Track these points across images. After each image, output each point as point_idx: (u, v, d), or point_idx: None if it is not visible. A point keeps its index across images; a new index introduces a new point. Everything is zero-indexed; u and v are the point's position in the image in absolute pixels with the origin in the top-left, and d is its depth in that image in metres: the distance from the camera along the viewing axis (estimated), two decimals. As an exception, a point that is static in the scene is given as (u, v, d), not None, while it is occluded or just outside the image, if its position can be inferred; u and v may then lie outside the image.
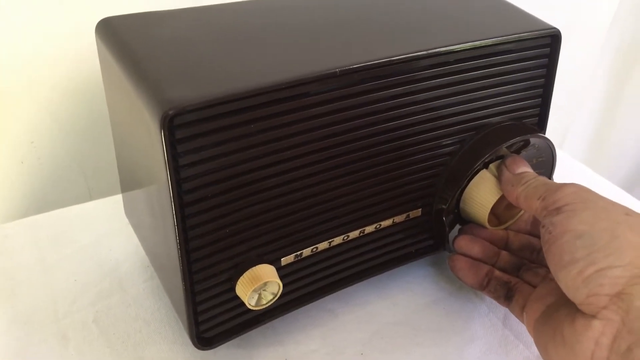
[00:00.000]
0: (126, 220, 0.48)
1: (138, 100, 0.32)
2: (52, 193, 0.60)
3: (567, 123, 0.98)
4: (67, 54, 0.55)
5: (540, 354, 0.35)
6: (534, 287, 0.40)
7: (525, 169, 0.40)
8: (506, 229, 0.45)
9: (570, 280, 0.32)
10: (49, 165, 0.59)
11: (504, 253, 0.44)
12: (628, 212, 0.33)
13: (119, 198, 0.49)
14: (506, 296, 0.41)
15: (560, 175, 0.47)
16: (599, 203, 0.34)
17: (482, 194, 0.41)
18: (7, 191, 0.58)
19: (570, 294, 0.32)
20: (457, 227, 0.45)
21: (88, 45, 0.48)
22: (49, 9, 0.52)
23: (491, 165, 0.42)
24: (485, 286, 0.42)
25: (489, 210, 0.42)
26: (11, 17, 0.51)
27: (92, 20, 0.41)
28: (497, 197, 0.41)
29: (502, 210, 0.44)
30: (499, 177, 0.41)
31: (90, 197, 0.62)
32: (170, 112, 0.30)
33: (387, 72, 0.36)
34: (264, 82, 0.32)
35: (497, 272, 0.42)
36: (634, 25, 0.93)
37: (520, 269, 0.42)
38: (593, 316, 0.31)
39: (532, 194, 0.37)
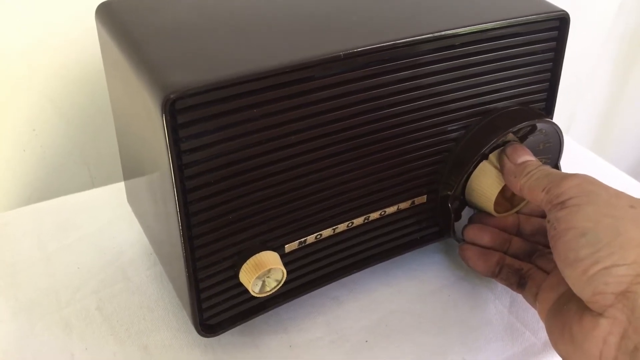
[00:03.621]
0: (129, 207, 0.48)
1: (139, 84, 0.32)
2: (54, 181, 0.60)
3: (574, 109, 0.97)
4: (68, 41, 0.54)
5: (552, 345, 0.35)
6: (548, 273, 0.39)
7: (526, 157, 0.39)
8: (518, 212, 0.44)
9: (576, 278, 0.31)
10: (51, 153, 0.59)
11: (515, 239, 0.43)
12: (633, 203, 0.33)
13: (121, 185, 0.49)
14: (519, 283, 0.41)
15: (567, 161, 0.46)
16: (603, 196, 0.33)
17: (484, 186, 0.41)
18: (10, 179, 0.58)
19: (577, 291, 0.32)
20: (468, 216, 0.45)
21: (90, 31, 0.47)
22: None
23: (491, 156, 0.41)
24: (497, 274, 0.42)
25: (493, 202, 0.41)
26: (11, 4, 0.51)
27: (93, 6, 0.40)
28: (499, 188, 0.40)
29: (512, 195, 0.44)
30: (500, 168, 0.40)
31: (93, 184, 0.62)
32: (172, 96, 0.29)
33: (392, 56, 0.35)
34: (267, 66, 0.32)
35: (508, 259, 0.42)
36: (640, 11, 0.92)
37: (534, 254, 0.42)
38: (600, 314, 0.30)
39: (536, 186, 0.37)
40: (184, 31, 0.35)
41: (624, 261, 0.30)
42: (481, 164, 0.41)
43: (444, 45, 0.37)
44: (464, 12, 0.39)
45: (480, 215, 0.44)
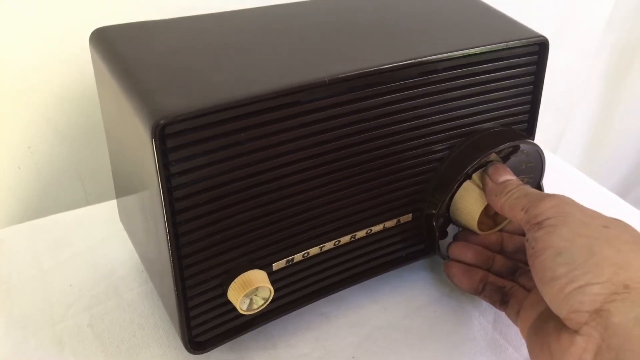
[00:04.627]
0: (122, 225, 0.48)
1: (130, 109, 0.33)
2: (49, 198, 0.61)
3: (562, 128, 0.98)
4: (63, 60, 0.55)
5: None
6: (529, 291, 0.40)
7: (507, 177, 0.41)
8: (502, 230, 0.45)
9: (552, 296, 0.32)
10: (46, 171, 0.59)
11: (498, 257, 0.44)
12: (607, 223, 0.34)
13: (115, 203, 0.50)
14: (502, 301, 0.42)
15: (555, 180, 0.47)
16: (578, 216, 0.34)
17: (467, 205, 0.42)
18: (4, 196, 0.59)
19: (554, 309, 0.33)
20: (453, 233, 0.46)
21: (84, 50, 0.49)
22: (45, 14, 0.53)
23: (474, 176, 0.42)
24: (480, 291, 0.43)
25: (476, 220, 0.42)
26: (7, 23, 0.52)
27: (88, 26, 0.41)
28: (482, 207, 0.42)
29: (495, 213, 0.45)
30: (483, 187, 0.42)
31: (87, 202, 0.63)
32: (162, 122, 0.30)
33: (376, 81, 0.36)
34: (253, 92, 0.33)
35: (491, 277, 0.43)
36: (628, 29, 0.94)
37: (516, 272, 0.43)
38: (576, 331, 0.31)
39: (515, 205, 0.38)
40: (174, 57, 0.36)
41: (597, 280, 0.31)
42: (465, 184, 0.42)
43: (427, 70, 0.38)
44: (446, 38, 0.40)
45: (464, 233, 0.45)
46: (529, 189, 0.39)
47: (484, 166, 0.42)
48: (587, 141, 1.05)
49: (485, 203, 0.42)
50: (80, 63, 0.56)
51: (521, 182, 0.40)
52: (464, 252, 0.44)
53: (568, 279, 0.32)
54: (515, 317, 0.40)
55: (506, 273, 0.43)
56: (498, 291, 0.42)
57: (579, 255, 0.32)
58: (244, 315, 0.38)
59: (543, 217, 0.35)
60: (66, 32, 0.54)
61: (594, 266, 0.31)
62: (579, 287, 0.31)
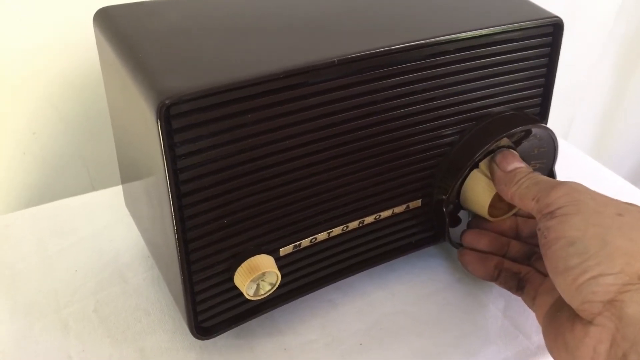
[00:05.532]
0: (127, 211, 0.48)
1: (135, 90, 0.32)
2: (54, 184, 0.60)
3: (572, 114, 0.97)
4: (68, 45, 0.55)
5: (548, 350, 0.35)
6: (545, 275, 0.40)
7: (516, 164, 0.40)
8: (516, 214, 0.44)
9: (565, 287, 0.32)
10: (51, 156, 0.59)
11: (514, 242, 0.43)
12: (620, 211, 0.33)
13: (120, 189, 0.49)
14: (518, 287, 0.41)
15: (566, 167, 0.46)
16: (590, 205, 0.33)
17: (476, 195, 0.41)
18: (9, 182, 0.58)
19: (567, 299, 0.32)
20: (465, 220, 0.45)
21: (90, 35, 0.48)
22: (49, -1, 0.52)
23: (481, 164, 0.41)
24: (496, 278, 0.42)
25: (486, 209, 0.41)
26: (12, 8, 0.51)
27: (92, 11, 0.41)
28: (491, 197, 0.41)
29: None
30: (491, 176, 0.41)
31: (93, 187, 0.63)
32: (167, 102, 0.30)
33: (386, 62, 0.36)
34: (261, 72, 0.32)
35: (506, 263, 0.42)
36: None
37: (532, 257, 0.42)
38: (590, 322, 0.31)
39: (526, 194, 0.37)
40: (179, 37, 0.36)
41: (610, 270, 0.30)
42: (472, 173, 0.41)
43: (438, 51, 0.37)
44: (459, 18, 0.39)
45: (478, 219, 0.45)
46: (539, 176, 0.38)
47: (494, 151, 0.41)
48: (598, 128, 1.04)
49: (494, 192, 0.41)
50: (86, 48, 0.55)
51: (531, 170, 0.39)
52: (478, 239, 0.43)
53: (581, 269, 0.31)
54: (531, 302, 0.39)
55: (522, 258, 0.42)
56: (514, 277, 0.41)
57: (591, 246, 0.31)
58: (250, 301, 0.38)
59: (555, 206, 0.34)
60: (71, 17, 0.54)
61: (606, 257, 0.31)
62: (591, 278, 0.31)
